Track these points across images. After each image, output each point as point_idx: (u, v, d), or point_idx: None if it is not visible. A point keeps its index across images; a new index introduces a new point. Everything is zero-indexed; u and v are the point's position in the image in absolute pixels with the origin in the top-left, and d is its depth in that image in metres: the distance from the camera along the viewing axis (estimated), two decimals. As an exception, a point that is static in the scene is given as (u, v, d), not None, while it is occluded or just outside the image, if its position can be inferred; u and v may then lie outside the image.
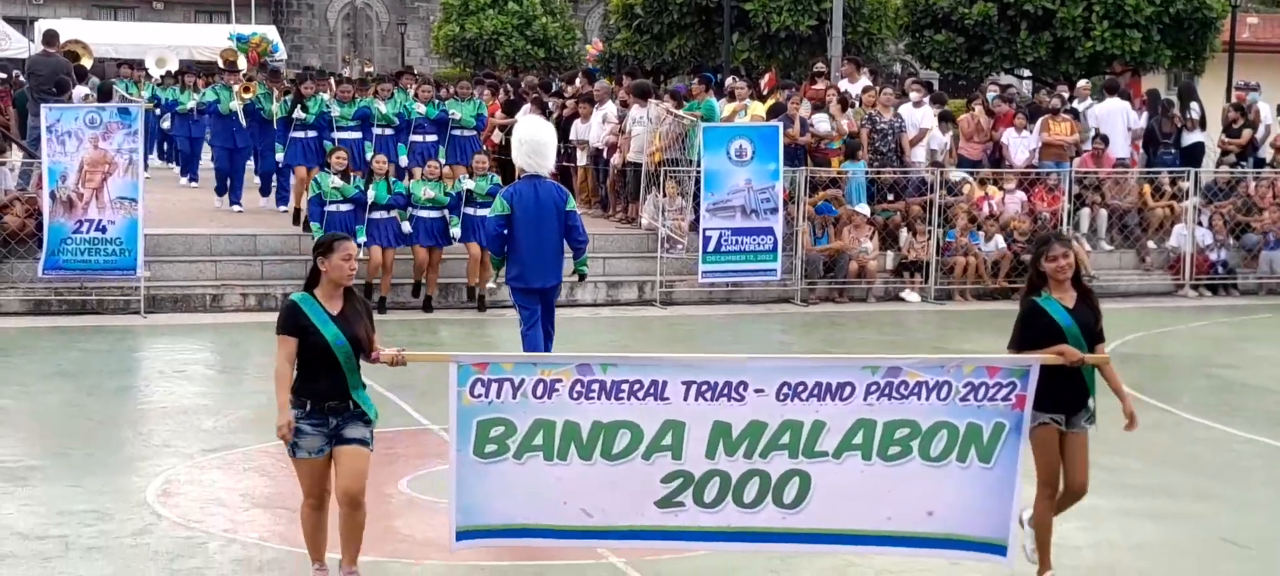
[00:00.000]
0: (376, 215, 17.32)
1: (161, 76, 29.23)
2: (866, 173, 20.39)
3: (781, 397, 7.38)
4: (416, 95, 19.84)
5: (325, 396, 7.44)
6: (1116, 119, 22.56)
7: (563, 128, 22.18)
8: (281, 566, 8.48)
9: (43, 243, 16.93)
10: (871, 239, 19.94)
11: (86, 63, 26.86)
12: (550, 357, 7.67)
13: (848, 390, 7.40)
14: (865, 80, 23.07)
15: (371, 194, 17.27)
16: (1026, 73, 31.28)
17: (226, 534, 9.03)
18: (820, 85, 22.14)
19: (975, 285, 20.11)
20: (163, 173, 26.12)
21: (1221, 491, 10.61)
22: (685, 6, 31.16)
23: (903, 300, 19.73)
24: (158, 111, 25.79)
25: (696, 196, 19.02)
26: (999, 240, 20.24)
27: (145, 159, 25.69)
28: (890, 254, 20.37)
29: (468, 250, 17.83)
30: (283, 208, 20.85)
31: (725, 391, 7.36)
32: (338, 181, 17.19)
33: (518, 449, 7.37)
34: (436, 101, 19.97)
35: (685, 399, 7.36)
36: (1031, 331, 7.82)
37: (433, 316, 17.54)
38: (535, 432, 7.37)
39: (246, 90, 21.35)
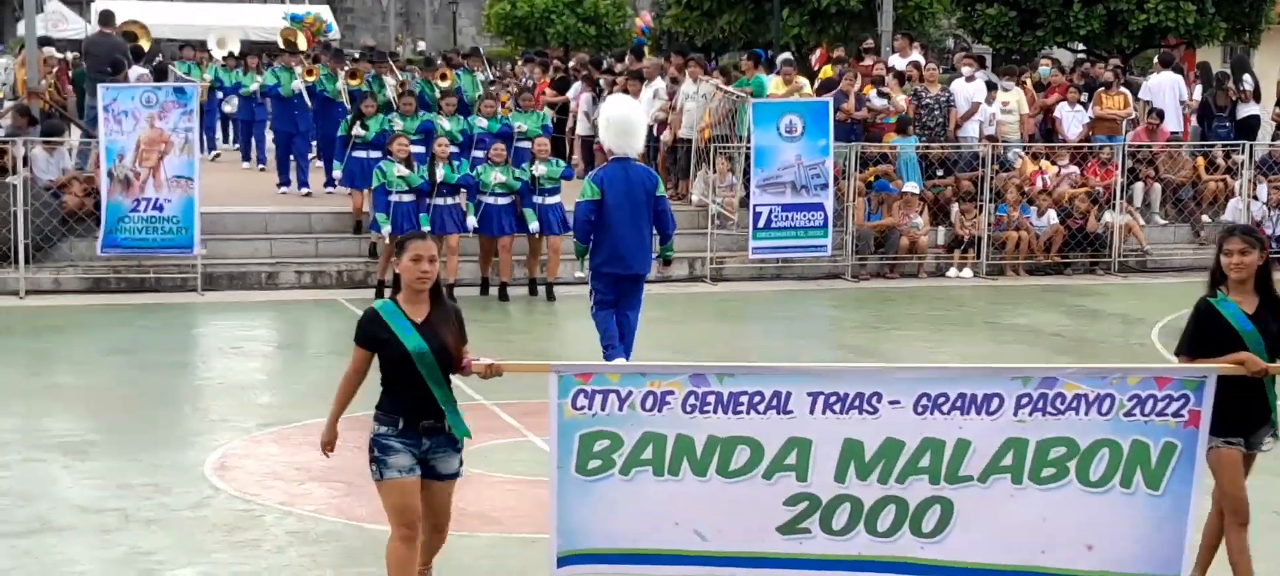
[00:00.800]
0: (439, 200, 16.80)
1: (223, 58, 28.76)
2: (917, 148, 20.36)
3: (920, 411, 6.63)
4: (479, 110, 19.45)
5: (418, 414, 6.71)
6: (1169, 92, 22.40)
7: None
8: (337, 538, 8.61)
9: (101, 221, 17.15)
10: (922, 214, 19.91)
11: (144, 45, 27.03)
12: (661, 367, 6.86)
13: (995, 403, 6.64)
14: (915, 55, 23.00)
15: (440, 172, 16.75)
16: (1079, 46, 31.06)
17: (283, 506, 9.18)
18: (868, 61, 22.11)
19: (1027, 260, 20.04)
20: (227, 155, 26.03)
21: (1274, 464, 10.55)
22: (736, -18, 31.18)
23: (954, 277, 19.65)
24: (220, 94, 25.63)
25: (747, 173, 19.05)
26: (1052, 215, 20.15)
27: (211, 142, 25.71)
28: (941, 229, 20.33)
29: (528, 241, 17.44)
30: (328, 189, 20.85)
31: (856, 403, 6.63)
32: (402, 170, 16.65)
33: (625, 464, 6.69)
34: (500, 115, 19.46)
35: (811, 412, 6.64)
36: (1203, 335, 7.05)
37: (497, 303, 17.30)
38: (644, 446, 6.68)
39: (309, 73, 21.19)
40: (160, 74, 21.94)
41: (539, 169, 17.21)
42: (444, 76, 21.81)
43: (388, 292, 6.94)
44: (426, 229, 16.30)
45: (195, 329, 15.80)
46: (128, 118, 17.03)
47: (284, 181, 21.26)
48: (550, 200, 17.26)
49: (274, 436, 10.96)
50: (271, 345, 15.16)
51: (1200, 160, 21.84)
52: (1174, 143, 22.09)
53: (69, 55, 27.38)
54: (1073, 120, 21.73)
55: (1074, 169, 20.93)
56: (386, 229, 16.57)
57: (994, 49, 31.63)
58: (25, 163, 17.20)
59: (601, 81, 23.11)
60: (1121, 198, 20.51)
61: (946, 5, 32.22)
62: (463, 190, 17.11)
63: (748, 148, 18.99)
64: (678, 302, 17.32)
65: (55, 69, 23.80)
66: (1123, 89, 22.29)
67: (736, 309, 17.45)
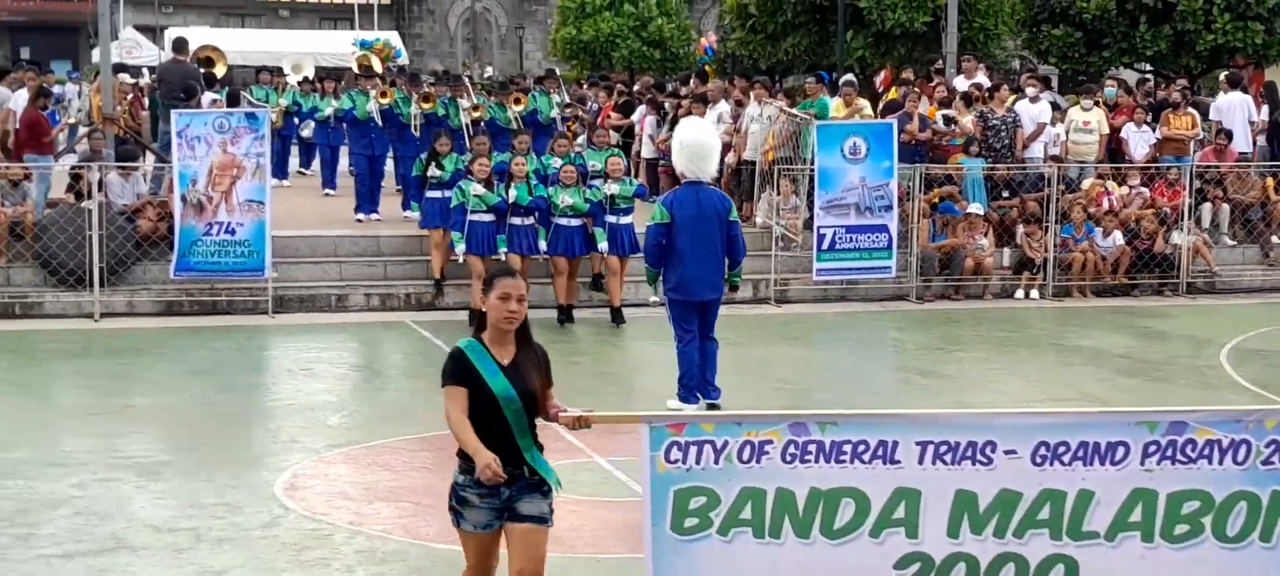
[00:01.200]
0: (515, 220, 16.76)
1: (299, 82, 27.88)
2: (983, 169, 20.32)
3: (1038, 461, 6.15)
4: (553, 149, 18.91)
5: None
6: (1238, 112, 22.25)
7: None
8: (404, 557, 8.73)
9: (174, 245, 17.43)
10: (986, 236, 19.86)
11: (220, 70, 27.29)
12: (758, 416, 6.40)
13: (1120, 452, 6.12)
14: (980, 77, 22.97)
15: (513, 194, 16.69)
16: (1146, 67, 30.88)
17: (351, 526, 9.31)
18: (935, 81, 22.12)
19: (1094, 282, 19.94)
20: (302, 182, 25.87)
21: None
22: (799, 5, 31.15)
23: (1020, 298, 19.59)
24: (297, 119, 25.45)
25: (811, 194, 19.09)
26: (1117, 236, 20.04)
27: (284, 168, 25.27)
28: (1007, 251, 20.28)
29: (606, 264, 17.25)
30: (407, 213, 20.64)
31: (969, 453, 6.17)
32: (480, 189, 16.55)
33: (723, 524, 6.23)
34: (573, 152, 18.97)
35: (920, 462, 6.19)
36: None
37: (560, 326, 16.87)
38: (743, 504, 6.22)
39: (384, 95, 20.98)
40: (233, 100, 22.21)
41: (612, 188, 17.07)
42: (518, 100, 21.50)
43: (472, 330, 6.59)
44: (504, 252, 16.43)
45: (266, 351, 16.02)
46: (200, 143, 17.30)
47: (363, 208, 20.81)
48: (623, 220, 17.13)
49: (343, 457, 11.11)
50: (341, 367, 15.34)
51: (1269, 180, 21.67)
52: (1242, 163, 21.93)
53: (143, 82, 27.82)
54: (1140, 141, 21.63)
55: (1144, 190, 20.81)
56: (462, 248, 16.65)
57: (1060, 70, 31.49)
58: (100, 187, 17.52)
59: (666, 105, 23.25)
60: (1189, 218, 20.38)
61: (1012, 26, 32.09)
62: (535, 212, 16.96)
63: (811, 169, 19.03)
64: (742, 325, 17.36)
65: (129, 95, 24.23)
66: (1190, 109, 22.16)
67: (801, 331, 17.48)
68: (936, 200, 20.06)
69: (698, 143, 12.05)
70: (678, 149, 12.16)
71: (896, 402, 13.41)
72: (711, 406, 12.05)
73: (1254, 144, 22.44)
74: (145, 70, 31.95)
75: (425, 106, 20.70)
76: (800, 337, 17.11)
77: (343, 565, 8.59)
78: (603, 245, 17.04)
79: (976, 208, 19.92)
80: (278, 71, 28.87)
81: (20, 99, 19.74)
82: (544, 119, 21.38)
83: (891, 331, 17.74)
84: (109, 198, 17.88)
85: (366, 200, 20.94)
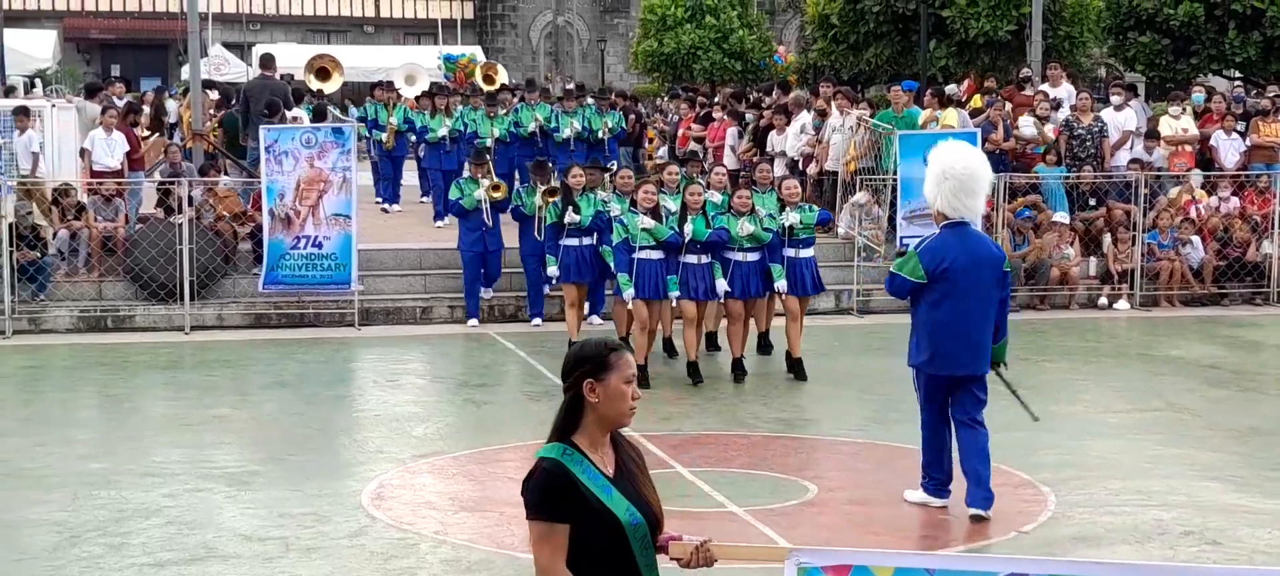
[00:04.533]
0: (690, 259, 14.12)
1: (416, 98, 24.51)
2: (1067, 179, 20.13)
3: None
4: (616, 187, 15.93)
5: None
6: (1328, 118, 21.90)
7: (760, 139, 22.39)
8: (490, 566, 8.79)
9: (262, 259, 17.66)
10: (1072, 245, 19.67)
11: (335, 81, 26.69)
12: (957, 562, 4.54)
13: None
14: (1065, 86, 22.78)
15: (689, 228, 14.06)
16: (1236, 74, 30.47)
17: (437, 536, 9.37)
18: (1028, 91, 21.97)
19: (1182, 291, 19.69)
20: (424, 209, 23.51)
21: None
22: (882, 15, 31.08)
23: (1105, 308, 19.38)
24: (412, 138, 23.29)
25: (893, 204, 19.02)
26: (1196, 242, 19.73)
27: (395, 192, 23.60)
28: (1093, 260, 20.07)
29: (785, 305, 14.63)
30: (549, 288, 17.39)
31: None
32: (649, 221, 13.96)
33: None
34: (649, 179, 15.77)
35: None
36: None
37: (740, 386, 14.44)
38: None
39: (496, 189, 17.77)
40: (320, 115, 22.30)
41: (791, 216, 14.49)
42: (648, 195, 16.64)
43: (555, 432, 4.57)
44: (675, 296, 14.16)
45: (352, 362, 16.19)
46: (288, 158, 17.54)
47: (480, 283, 18.03)
48: (804, 253, 14.58)
49: (428, 466, 11.21)
50: (425, 378, 15.46)
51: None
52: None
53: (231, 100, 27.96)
54: (1229, 148, 21.35)
55: (1235, 200, 20.51)
56: (630, 293, 14.07)
57: (1146, 77, 31.16)
58: (190, 203, 17.79)
59: (748, 115, 23.24)
60: (1278, 228, 20.06)
61: (1098, 34, 31.80)
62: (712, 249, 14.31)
63: (894, 179, 18.95)
64: (824, 335, 17.31)
65: (218, 113, 24.52)
66: (1280, 116, 21.84)
67: (884, 341, 17.35)
68: (1019, 209, 19.92)
69: (968, 171, 9.29)
70: (940, 179, 9.35)
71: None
72: (976, 519, 9.51)
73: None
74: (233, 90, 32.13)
75: (551, 200, 16.13)
76: (884, 348, 16.99)
77: (428, 574, 8.66)
78: (780, 284, 14.39)
79: (1062, 217, 19.74)
80: (389, 86, 25.89)
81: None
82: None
83: (976, 342, 17.59)
84: (200, 211, 18.13)
85: (484, 283, 18.25)
